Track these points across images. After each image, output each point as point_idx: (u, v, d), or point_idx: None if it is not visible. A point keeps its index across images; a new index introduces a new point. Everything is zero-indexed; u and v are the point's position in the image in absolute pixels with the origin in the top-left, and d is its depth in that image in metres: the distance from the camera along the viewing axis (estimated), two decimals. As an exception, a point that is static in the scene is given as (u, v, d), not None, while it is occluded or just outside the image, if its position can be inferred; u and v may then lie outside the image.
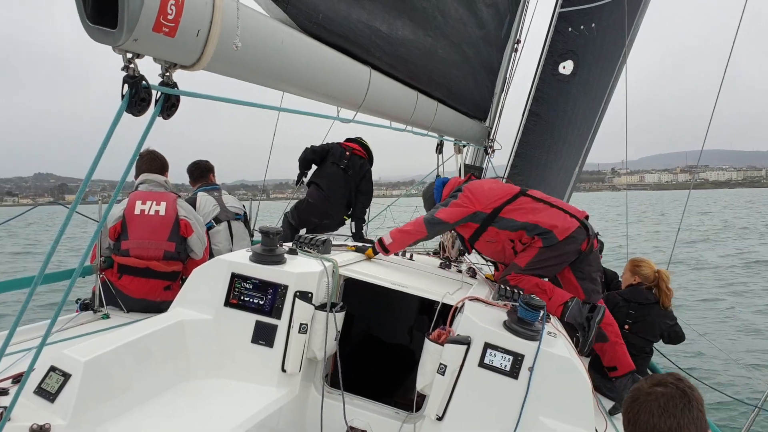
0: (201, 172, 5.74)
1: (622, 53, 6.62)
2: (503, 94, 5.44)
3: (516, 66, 5.58)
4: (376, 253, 4.04)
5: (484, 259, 4.65)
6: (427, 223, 4.00)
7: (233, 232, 5.55)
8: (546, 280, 4.18)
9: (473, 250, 4.51)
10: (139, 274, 4.35)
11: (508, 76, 5.35)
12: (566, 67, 7.00)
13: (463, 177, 4.36)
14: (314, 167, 6.49)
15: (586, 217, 4.17)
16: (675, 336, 4.88)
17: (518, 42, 5.37)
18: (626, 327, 4.80)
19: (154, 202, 4.44)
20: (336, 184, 6.24)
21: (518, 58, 5.57)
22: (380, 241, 4.09)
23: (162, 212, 4.43)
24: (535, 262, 4.02)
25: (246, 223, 5.78)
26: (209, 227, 5.38)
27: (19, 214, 4.24)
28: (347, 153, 6.34)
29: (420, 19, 2.89)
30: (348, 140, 6.61)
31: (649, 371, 5.07)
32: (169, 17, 1.34)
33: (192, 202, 5.32)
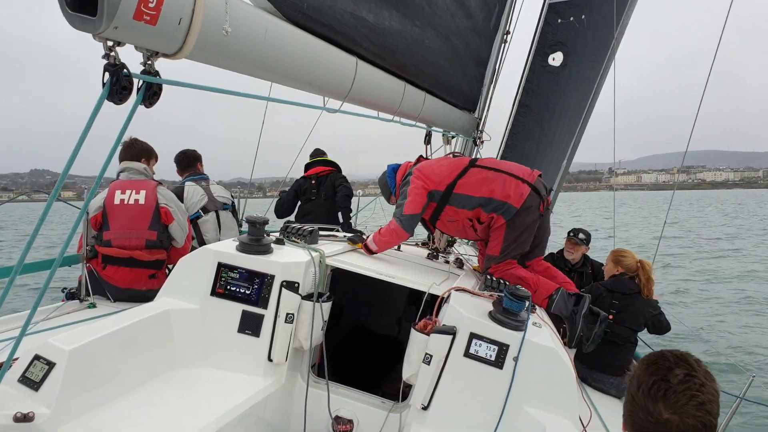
0: (189, 161, 5.69)
1: (611, 45, 6.63)
2: (492, 86, 5.44)
3: (505, 57, 5.57)
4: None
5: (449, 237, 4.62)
6: (402, 223, 3.97)
7: (221, 221, 5.53)
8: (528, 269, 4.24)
9: (436, 230, 4.57)
10: (122, 263, 4.34)
11: (497, 68, 5.35)
12: (556, 59, 7.00)
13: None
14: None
15: (540, 175, 4.16)
16: (659, 325, 4.93)
17: (507, 33, 5.37)
18: (610, 317, 4.86)
19: (134, 191, 4.42)
20: (319, 214, 6.52)
21: (507, 49, 5.56)
22: (366, 246, 4.10)
23: (141, 201, 4.41)
24: (508, 245, 4.00)
25: (234, 212, 5.76)
26: (197, 217, 5.36)
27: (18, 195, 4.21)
28: (313, 182, 6.70)
29: (407, 9, 2.88)
30: (309, 165, 6.90)
31: (635, 362, 5.12)
32: (150, 5, 1.33)
33: (179, 191, 5.29)
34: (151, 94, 1.46)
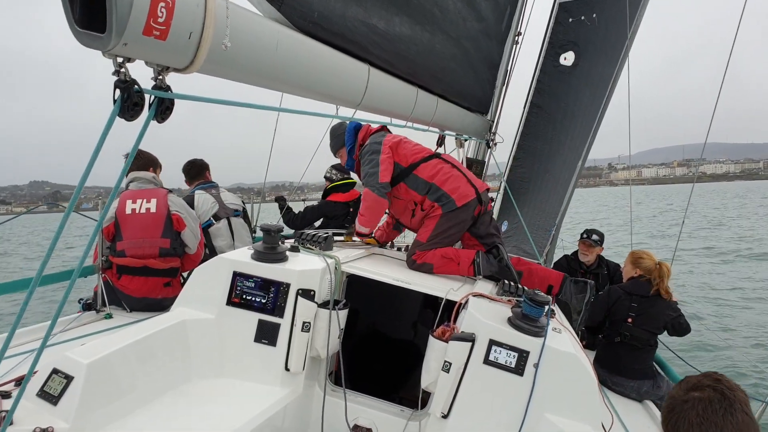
0: (198, 170, 5.73)
1: (624, 44, 6.56)
2: (504, 87, 5.40)
3: (516, 58, 5.54)
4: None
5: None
6: (380, 191, 4.06)
7: (233, 228, 5.55)
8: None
9: None
10: (137, 273, 4.36)
11: (509, 69, 5.31)
12: (567, 59, 6.96)
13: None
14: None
15: (487, 190, 4.28)
16: (679, 327, 4.87)
17: (519, 34, 5.34)
18: (629, 320, 4.81)
19: (145, 200, 4.45)
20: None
21: (519, 50, 5.53)
22: (358, 234, 4.26)
23: (153, 209, 4.43)
24: (436, 235, 4.10)
25: (246, 218, 5.77)
26: (209, 225, 5.39)
27: (7, 220, 4.26)
28: (351, 210, 6.73)
29: (417, 14, 2.86)
30: (339, 188, 6.89)
31: (655, 365, 5.06)
32: (160, 20, 1.32)
33: (190, 200, 5.31)
34: (163, 109, 1.45)
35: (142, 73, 1.43)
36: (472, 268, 4.03)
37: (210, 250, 5.28)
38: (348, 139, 4.40)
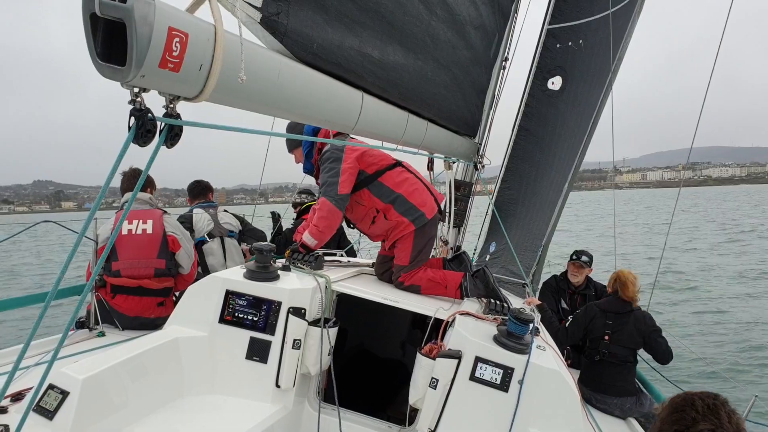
0: (200, 191, 5.90)
1: (611, 69, 6.73)
2: (492, 111, 5.53)
3: (504, 83, 5.68)
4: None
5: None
6: (338, 203, 3.96)
7: (225, 248, 5.64)
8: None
9: None
10: (131, 293, 4.41)
11: (495, 94, 5.45)
12: (555, 83, 7.12)
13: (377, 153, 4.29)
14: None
15: (443, 198, 4.47)
16: (656, 345, 4.92)
17: (506, 59, 5.47)
18: (606, 338, 4.91)
19: (141, 221, 4.51)
20: None
21: (506, 75, 5.66)
22: (303, 245, 4.04)
23: (149, 230, 4.50)
24: (416, 255, 4.14)
25: (240, 239, 5.86)
26: (202, 241, 5.47)
27: (17, 233, 4.29)
28: None
29: (410, 44, 2.98)
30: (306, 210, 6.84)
31: (637, 382, 5.14)
32: (174, 53, 1.41)
33: (188, 217, 5.41)
34: (172, 135, 1.54)
35: (151, 102, 1.52)
36: (459, 291, 4.07)
37: (203, 268, 5.36)
38: (305, 143, 4.29)
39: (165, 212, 4.72)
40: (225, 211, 6.00)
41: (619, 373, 4.87)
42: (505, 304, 3.74)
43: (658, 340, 4.92)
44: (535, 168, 7.14)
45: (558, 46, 7.09)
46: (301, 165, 4.46)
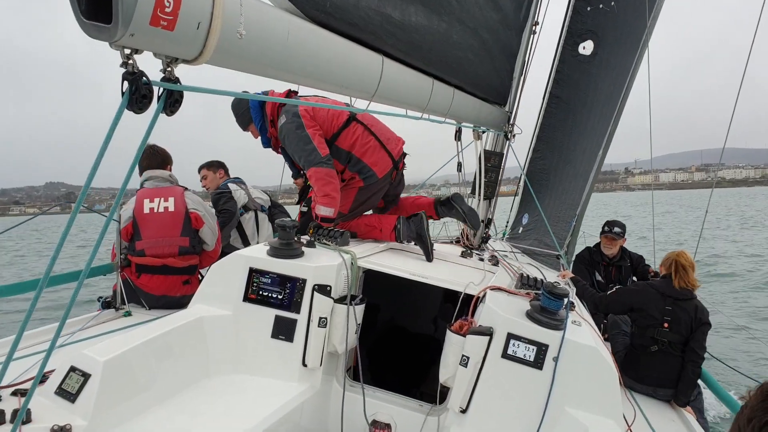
0: (219, 164, 6.07)
1: (644, 31, 6.43)
2: (522, 78, 5.32)
3: (534, 49, 5.45)
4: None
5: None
6: (328, 164, 3.99)
7: (259, 222, 5.71)
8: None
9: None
10: (157, 272, 4.37)
11: (526, 60, 5.23)
12: (586, 48, 6.86)
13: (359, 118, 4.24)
14: None
15: (401, 151, 4.42)
16: (701, 338, 4.43)
17: (536, 24, 5.25)
18: (665, 325, 4.45)
19: (162, 199, 4.45)
20: None
21: (537, 40, 5.44)
22: (324, 219, 4.03)
23: (171, 208, 4.44)
24: (357, 206, 4.28)
25: (271, 213, 5.93)
26: (240, 214, 5.56)
27: (19, 223, 4.29)
28: None
29: (433, 4, 2.81)
30: None
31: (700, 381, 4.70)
32: (167, 10, 1.29)
33: (227, 192, 5.56)
34: (172, 102, 1.43)
35: (152, 67, 1.40)
36: (393, 233, 4.22)
37: (242, 238, 5.58)
38: (255, 116, 4.25)
39: (186, 189, 4.67)
40: (254, 187, 6.07)
41: (677, 364, 4.47)
42: (538, 278, 3.60)
43: (705, 334, 4.50)
44: (567, 136, 6.90)
45: (589, 9, 6.80)
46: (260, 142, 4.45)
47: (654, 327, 4.49)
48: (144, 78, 1.31)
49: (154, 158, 4.69)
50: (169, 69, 1.41)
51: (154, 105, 1.38)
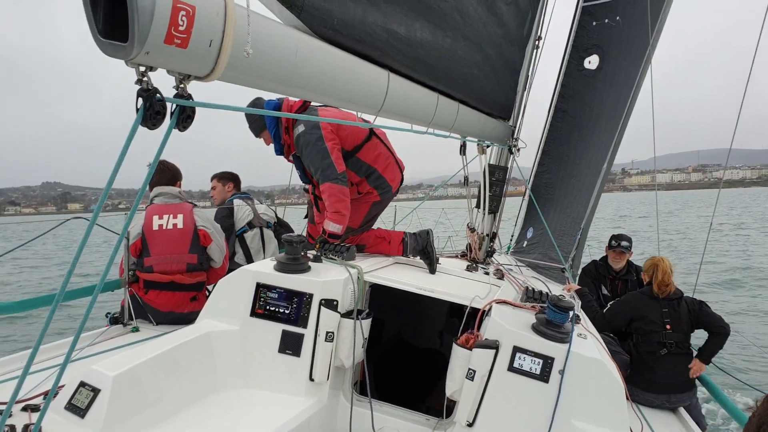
0: (237, 180, 6.09)
1: (648, 45, 6.47)
2: (526, 93, 5.35)
3: (538, 63, 5.49)
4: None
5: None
6: (343, 182, 3.99)
7: (264, 238, 5.69)
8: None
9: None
10: (164, 288, 4.39)
11: (529, 74, 5.27)
12: (591, 62, 6.91)
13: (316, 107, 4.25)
14: None
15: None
16: (710, 319, 4.60)
17: (539, 39, 5.29)
18: (668, 327, 4.57)
19: (171, 216, 4.48)
20: None
21: (540, 55, 5.47)
22: (331, 235, 4.00)
23: (180, 225, 4.46)
24: (368, 220, 4.37)
25: (276, 230, 5.91)
26: (243, 231, 5.54)
27: (44, 233, 4.29)
28: None
29: (438, 20, 2.84)
30: None
31: (697, 382, 4.73)
32: (181, 28, 1.32)
33: (230, 209, 5.54)
34: (184, 118, 1.46)
35: (163, 82, 1.43)
36: (401, 246, 4.31)
37: (245, 255, 5.53)
38: (270, 123, 4.22)
39: (195, 206, 4.70)
40: (260, 202, 6.05)
41: (685, 365, 4.54)
42: (543, 291, 3.60)
43: (708, 312, 4.62)
44: (573, 150, 6.93)
45: (594, 23, 6.86)
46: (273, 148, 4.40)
47: (657, 331, 4.59)
48: (158, 95, 1.34)
49: (163, 175, 4.73)
50: (182, 86, 1.44)
51: (166, 121, 1.41)
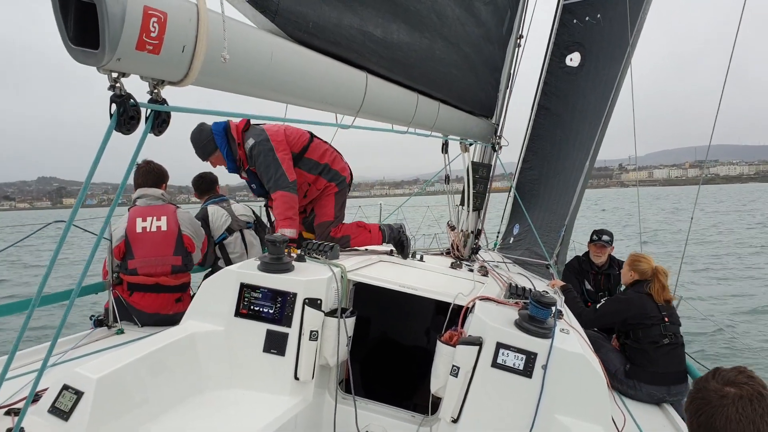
0: (208, 185, 5.80)
1: (629, 44, 6.54)
2: (508, 91, 5.39)
3: (520, 61, 5.52)
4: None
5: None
6: (293, 191, 4.32)
7: (246, 240, 5.58)
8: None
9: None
10: (149, 290, 4.39)
11: (512, 73, 5.31)
12: (573, 60, 6.97)
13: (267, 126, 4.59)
14: None
15: None
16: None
17: (521, 37, 5.32)
18: (666, 319, 4.75)
19: (155, 218, 4.47)
20: None
21: (521, 53, 5.51)
22: (291, 241, 4.22)
23: (164, 227, 4.45)
24: (338, 210, 4.74)
25: (257, 230, 5.79)
26: (223, 238, 5.42)
27: (28, 235, 4.28)
28: None
29: (415, 21, 2.87)
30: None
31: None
32: (152, 35, 1.34)
33: (204, 216, 5.35)
34: (159, 122, 1.47)
35: (139, 87, 1.45)
36: (380, 234, 4.77)
37: (226, 262, 5.33)
38: (221, 142, 4.51)
39: (178, 207, 4.68)
40: (236, 201, 5.88)
41: (682, 356, 4.70)
42: (527, 288, 3.64)
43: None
44: (556, 147, 6.99)
45: (575, 21, 6.93)
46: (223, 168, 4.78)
47: (657, 324, 4.71)
48: (131, 100, 1.36)
49: (148, 176, 4.70)
50: (155, 91, 1.46)
51: (141, 126, 1.43)
